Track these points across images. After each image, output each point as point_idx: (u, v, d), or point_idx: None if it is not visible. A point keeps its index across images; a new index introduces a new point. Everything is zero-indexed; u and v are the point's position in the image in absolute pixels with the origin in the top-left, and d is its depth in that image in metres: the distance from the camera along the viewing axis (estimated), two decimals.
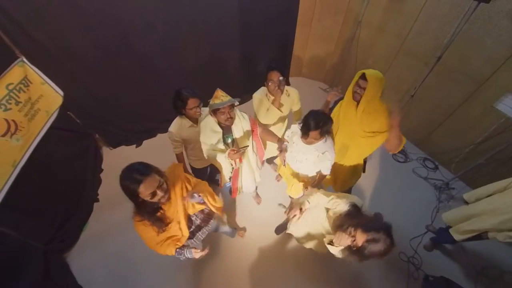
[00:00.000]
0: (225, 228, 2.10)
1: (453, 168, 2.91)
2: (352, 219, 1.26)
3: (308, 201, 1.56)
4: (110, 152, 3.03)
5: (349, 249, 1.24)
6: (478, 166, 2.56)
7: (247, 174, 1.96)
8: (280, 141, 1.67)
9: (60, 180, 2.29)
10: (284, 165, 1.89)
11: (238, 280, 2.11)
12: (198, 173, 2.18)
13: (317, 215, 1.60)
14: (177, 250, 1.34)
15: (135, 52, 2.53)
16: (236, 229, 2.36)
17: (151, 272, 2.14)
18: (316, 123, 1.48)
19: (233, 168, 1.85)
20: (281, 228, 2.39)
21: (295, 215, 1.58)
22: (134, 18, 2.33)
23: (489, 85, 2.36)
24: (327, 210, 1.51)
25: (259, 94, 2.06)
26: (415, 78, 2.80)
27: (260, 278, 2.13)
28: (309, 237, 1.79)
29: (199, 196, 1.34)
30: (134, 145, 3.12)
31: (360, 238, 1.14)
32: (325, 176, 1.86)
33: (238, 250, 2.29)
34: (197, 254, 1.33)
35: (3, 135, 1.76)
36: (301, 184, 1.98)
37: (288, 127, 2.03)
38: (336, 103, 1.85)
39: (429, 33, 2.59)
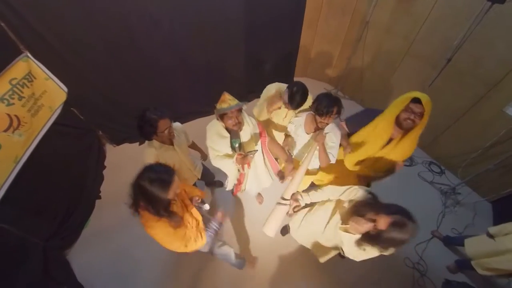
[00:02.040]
0: (231, 260, 1.88)
1: (460, 173, 2.82)
2: (371, 205, 1.19)
3: (308, 194, 1.50)
4: (113, 149, 2.99)
5: (367, 236, 1.15)
6: (486, 172, 2.48)
7: (252, 179, 1.92)
8: (289, 160, 1.61)
9: (62, 176, 2.25)
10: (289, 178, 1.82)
11: (240, 280, 2.06)
12: None
13: (321, 215, 1.53)
14: (207, 233, 1.38)
15: (140, 50, 2.49)
16: (244, 260, 2.11)
17: (152, 269, 2.10)
18: (332, 101, 1.45)
19: (239, 172, 1.79)
20: (287, 229, 2.33)
21: (296, 211, 1.52)
22: (140, 16, 2.29)
23: (499, 89, 2.28)
24: (338, 203, 1.43)
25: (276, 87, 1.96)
26: (423, 80, 2.72)
27: (261, 279, 2.08)
28: (311, 240, 1.73)
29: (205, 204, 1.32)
30: (137, 143, 3.08)
31: (383, 222, 1.06)
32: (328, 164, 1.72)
33: (240, 251, 2.23)
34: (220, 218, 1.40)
35: (5, 130, 1.73)
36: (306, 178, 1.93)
37: None
38: (369, 116, 1.58)
39: (438, 35, 2.52)
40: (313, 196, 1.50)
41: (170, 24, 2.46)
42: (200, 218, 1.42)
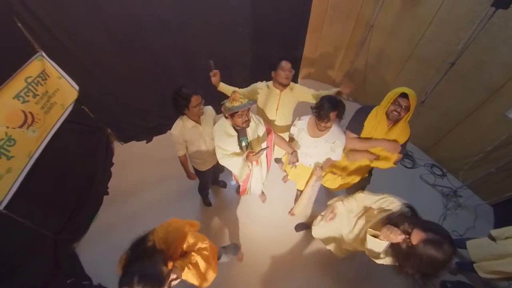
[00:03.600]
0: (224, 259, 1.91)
1: (461, 176, 2.82)
2: (409, 218, 1.14)
3: (343, 202, 1.53)
4: (121, 147, 3.04)
5: (396, 247, 1.10)
6: (487, 175, 2.48)
7: (258, 176, 1.93)
8: (294, 153, 1.65)
9: (72, 172, 2.30)
10: (291, 167, 1.87)
11: (241, 280, 2.08)
12: (202, 175, 2.12)
13: (344, 218, 1.56)
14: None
15: (148, 51, 2.53)
16: (238, 247, 2.17)
17: None
18: (334, 104, 1.49)
19: (250, 170, 1.79)
20: (302, 226, 2.35)
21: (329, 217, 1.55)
22: (149, 18, 2.33)
23: (502, 94, 2.28)
24: (368, 209, 1.44)
25: (262, 83, 2.04)
26: (426, 84, 2.73)
27: (263, 278, 2.10)
28: (331, 239, 1.74)
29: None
30: (144, 141, 3.13)
31: (416, 237, 1.00)
32: (333, 161, 1.82)
33: (241, 250, 2.26)
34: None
35: (20, 126, 1.78)
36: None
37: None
38: (362, 116, 1.72)
39: (442, 39, 2.52)
40: (347, 204, 1.53)
41: (178, 26, 2.50)
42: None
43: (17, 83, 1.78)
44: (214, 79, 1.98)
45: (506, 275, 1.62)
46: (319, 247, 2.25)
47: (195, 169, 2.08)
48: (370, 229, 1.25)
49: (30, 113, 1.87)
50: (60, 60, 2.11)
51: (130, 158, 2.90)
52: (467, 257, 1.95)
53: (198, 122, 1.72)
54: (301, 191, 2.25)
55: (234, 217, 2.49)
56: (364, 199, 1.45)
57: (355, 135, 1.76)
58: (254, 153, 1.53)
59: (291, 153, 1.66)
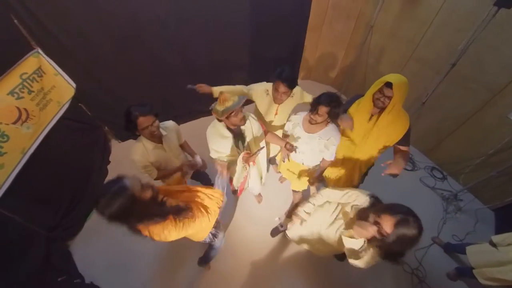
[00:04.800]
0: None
1: (462, 179, 2.75)
2: (374, 207, 1.13)
3: (313, 203, 1.48)
4: (118, 145, 3.03)
5: (374, 240, 1.07)
6: (488, 179, 2.41)
7: (255, 176, 1.90)
8: (288, 145, 1.62)
9: (68, 169, 2.29)
10: (284, 161, 1.83)
11: (235, 279, 2.05)
12: None
13: (320, 216, 1.50)
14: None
15: (146, 49, 2.52)
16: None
17: (150, 264, 2.11)
18: (329, 100, 1.43)
19: (247, 171, 1.73)
20: (276, 231, 2.31)
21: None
22: (147, 16, 2.32)
23: (504, 95, 2.22)
24: (341, 206, 1.39)
25: (262, 87, 1.93)
26: (427, 85, 2.67)
27: (258, 278, 2.06)
28: (307, 240, 1.71)
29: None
30: None
31: (388, 223, 0.99)
32: (330, 163, 1.79)
33: (237, 249, 2.22)
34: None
35: (14, 123, 1.77)
36: (304, 177, 1.93)
37: None
38: (352, 100, 1.68)
39: (443, 39, 2.47)
40: (314, 201, 1.48)
41: (176, 24, 2.48)
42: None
43: (12, 79, 1.77)
44: (202, 90, 1.86)
45: (507, 283, 1.56)
46: None
47: None
48: (343, 230, 1.24)
49: (25, 109, 1.85)
50: (57, 57, 2.10)
51: (127, 157, 2.86)
52: (466, 262, 1.89)
53: (159, 142, 1.56)
54: (296, 192, 2.22)
55: (229, 217, 2.45)
56: (330, 194, 1.42)
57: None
58: (251, 154, 1.47)
59: (285, 146, 1.61)
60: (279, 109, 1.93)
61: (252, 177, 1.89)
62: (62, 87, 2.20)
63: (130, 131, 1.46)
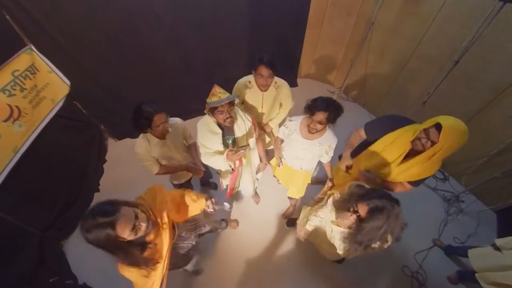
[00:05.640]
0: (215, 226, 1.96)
1: (464, 180, 2.69)
2: (355, 195, 1.15)
3: (320, 217, 1.46)
4: (114, 144, 2.99)
5: (354, 228, 1.11)
6: (491, 180, 2.35)
7: (248, 177, 1.85)
8: (263, 165, 1.78)
9: (62, 168, 2.26)
10: (280, 165, 1.79)
11: (231, 282, 2.01)
12: (180, 187, 1.98)
13: (326, 218, 1.47)
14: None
15: (143, 46, 2.48)
16: (226, 221, 2.21)
17: None
18: (325, 105, 1.36)
19: (232, 169, 1.72)
20: (292, 222, 2.29)
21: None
22: (144, 12, 2.27)
23: (508, 94, 2.15)
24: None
25: (244, 80, 1.93)
26: (428, 83, 2.61)
27: (254, 281, 2.01)
28: (314, 239, 1.68)
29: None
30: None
31: (362, 210, 1.03)
32: (330, 164, 1.74)
33: (234, 252, 2.18)
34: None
35: (5, 120, 1.73)
36: (303, 181, 1.90)
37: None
38: (391, 125, 1.38)
39: (446, 36, 2.40)
40: (322, 214, 1.46)
41: (173, 21, 2.44)
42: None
43: (3, 76, 1.73)
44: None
45: None
46: (312, 249, 2.15)
47: (173, 185, 1.97)
48: (333, 220, 1.25)
49: (17, 107, 1.81)
50: (51, 55, 2.05)
51: (123, 156, 2.84)
52: (468, 266, 1.83)
53: (162, 138, 1.59)
54: (292, 199, 2.16)
55: (224, 217, 2.40)
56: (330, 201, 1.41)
57: (364, 136, 1.55)
58: (234, 152, 1.42)
59: (262, 162, 1.69)
60: (264, 99, 1.90)
61: (244, 177, 1.86)
62: (56, 85, 2.16)
63: (141, 128, 1.47)
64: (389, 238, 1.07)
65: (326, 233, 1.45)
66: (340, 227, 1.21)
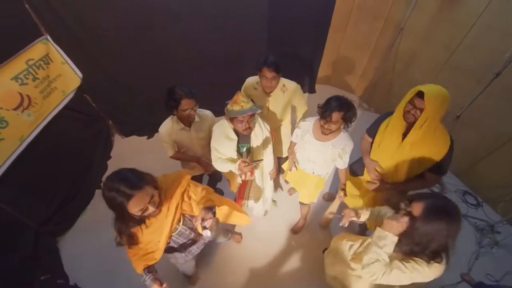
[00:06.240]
0: (220, 239, 1.94)
1: (501, 208, 2.49)
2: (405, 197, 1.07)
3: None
4: (121, 140, 3.07)
5: (405, 233, 1.00)
6: None
7: (257, 189, 1.83)
8: (274, 172, 1.74)
9: (66, 161, 2.33)
10: (291, 170, 1.76)
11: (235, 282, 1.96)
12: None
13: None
14: (144, 270, 1.16)
15: (158, 42, 2.55)
16: (230, 232, 2.18)
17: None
18: (340, 104, 1.36)
19: (241, 180, 1.74)
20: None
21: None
22: (160, 8, 2.35)
23: None
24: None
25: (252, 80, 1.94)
26: (463, 96, 2.47)
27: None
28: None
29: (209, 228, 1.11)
30: (146, 137, 3.13)
31: (417, 208, 0.95)
32: (346, 171, 1.72)
33: (234, 263, 2.13)
34: None
35: (15, 109, 1.81)
36: (316, 187, 1.86)
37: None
38: (381, 119, 1.56)
39: (485, 46, 2.28)
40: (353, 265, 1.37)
41: (189, 17, 2.49)
42: (159, 256, 1.20)
43: (17, 64, 1.82)
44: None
45: None
46: (321, 267, 2.05)
47: None
48: (378, 228, 1.09)
49: (28, 96, 1.89)
50: (66, 46, 2.16)
51: (128, 153, 2.90)
52: None
53: (187, 126, 1.68)
54: (304, 205, 2.10)
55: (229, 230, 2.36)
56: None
57: (370, 139, 1.61)
58: (247, 163, 1.39)
59: (274, 170, 1.71)
60: (270, 102, 1.89)
61: (254, 189, 1.83)
62: (68, 76, 2.25)
63: (168, 109, 1.55)
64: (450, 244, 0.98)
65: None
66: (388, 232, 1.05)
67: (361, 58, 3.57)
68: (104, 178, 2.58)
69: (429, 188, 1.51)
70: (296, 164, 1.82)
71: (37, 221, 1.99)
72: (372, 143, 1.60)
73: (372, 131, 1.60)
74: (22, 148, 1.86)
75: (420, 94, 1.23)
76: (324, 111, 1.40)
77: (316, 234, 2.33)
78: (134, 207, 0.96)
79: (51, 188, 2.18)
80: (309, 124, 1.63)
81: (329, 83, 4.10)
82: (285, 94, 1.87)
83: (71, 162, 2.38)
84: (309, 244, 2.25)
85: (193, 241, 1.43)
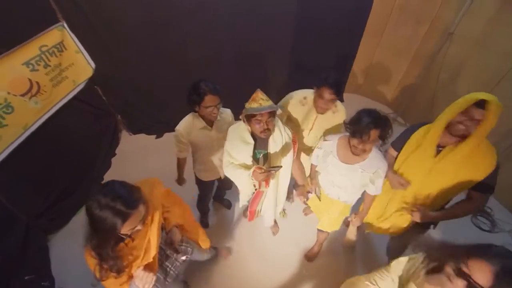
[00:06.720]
0: (203, 256, 1.77)
1: None
2: (449, 249, 0.79)
3: (373, 281, 1.15)
4: (128, 137, 3.06)
5: None
6: None
7: (271, 201, 1.69)
8: (302, 188, 1.65)
9: (69, 154, 2.32)
10: (317, 193, 1.59)
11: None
12: (203, 186, 1.99)
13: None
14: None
15: (175, 39, 2.53)
16: (217, 249, 2.04)
17: None
18: (375, 120, 1.19)
19: (255, 189, 1.61)
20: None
21: None
22: (178, 3, 2.32)
23: None
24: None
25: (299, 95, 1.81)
26: None
27: None
28: None
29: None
30: (154, 136, 3.09)
31: (483, 272, 0.66)
32: (374, 197, 1.49)
33: (234, 285, 1.96)
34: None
35: (23, 95, 1.82)
36: (340, 214, 1.67)
37: None
38: (412, 130, 1.41)
39: None
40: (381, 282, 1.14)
41: (210, 13, 2.45)
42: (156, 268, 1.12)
43: (30, 50, 1.85)
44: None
45: None
46: None
47: (196, 178, 1.94)
48: None
49: (37, 83, 1.91)
50: (81, 34, 2.19)
51: (134, 152, 2.87)
52: None
53: (209, 125, 1.62)
54: (322, 232, 1.88)
55: (233, 247, 2.19)
56: (396, 266, 1.03)
57: (395, 153, 1.48)
58: (263, 170, 1.27)
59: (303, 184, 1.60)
60: (316, 122, 1.76)
61: (268, 201, 1.70)
62: (80, 66, 2.28)
63: (191, 104, 1.51)
64: None
65: None
66: None
67: (399, 65, 3.32)
68: (105, 176, 2.61)
69: (471, 214, 1.36)
70: (318, 189, 1.66)
71: (30, 214, 1.96)
72: (396, 157, 1.44)
73: (398, 145, 1.45)
74: (25, 136, 1.86)
75: (479, 104, 1.08)
76: (357, 129, 1.22)
77: (331, 259, 2.12)
78: (126, 228, 0.90)
79: (50, 181, 2.17)
80: (332, 144, 1.46)
81: (358, 91, 3.87)
82: (335, 116, 1.75)
83: (74, 156, 2.37)
84: (320, 272, 2.04)
85: (166, 255, 1.31)
